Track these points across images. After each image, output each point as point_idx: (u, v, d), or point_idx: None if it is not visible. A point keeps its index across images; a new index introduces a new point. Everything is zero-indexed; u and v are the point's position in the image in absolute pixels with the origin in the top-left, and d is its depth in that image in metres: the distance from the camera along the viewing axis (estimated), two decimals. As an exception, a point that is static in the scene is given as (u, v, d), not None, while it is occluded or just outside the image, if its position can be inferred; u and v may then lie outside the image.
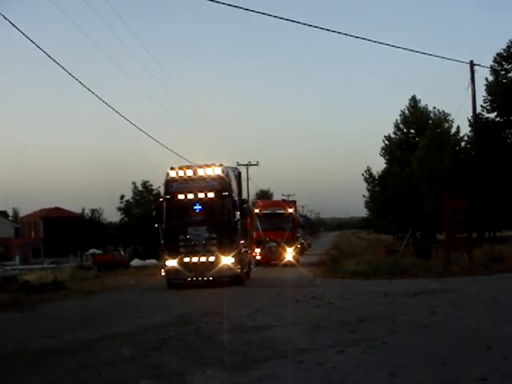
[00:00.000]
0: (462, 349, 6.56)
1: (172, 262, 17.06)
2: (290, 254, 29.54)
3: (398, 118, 52.02)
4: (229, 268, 16.91)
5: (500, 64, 39.29)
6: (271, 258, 29.36)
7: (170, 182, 17.78)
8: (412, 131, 51.52)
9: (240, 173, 22.61)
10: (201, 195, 17.36)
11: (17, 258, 55.56)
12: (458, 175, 37.63)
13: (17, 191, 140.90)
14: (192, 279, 17.09)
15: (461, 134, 43.09)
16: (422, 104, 50.96)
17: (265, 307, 11.22)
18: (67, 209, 78.82)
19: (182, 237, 17.26)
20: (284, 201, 33.24)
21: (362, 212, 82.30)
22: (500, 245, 26.64)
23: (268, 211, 31.08)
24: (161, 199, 18.47)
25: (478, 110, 34.44)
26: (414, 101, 51.29)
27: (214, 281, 16.88)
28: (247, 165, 60.16)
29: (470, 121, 37.41)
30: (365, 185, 57.13)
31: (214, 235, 17.22)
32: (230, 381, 5.66)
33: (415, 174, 43.12)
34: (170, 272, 17.15)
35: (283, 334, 8.07)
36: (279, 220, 30.44)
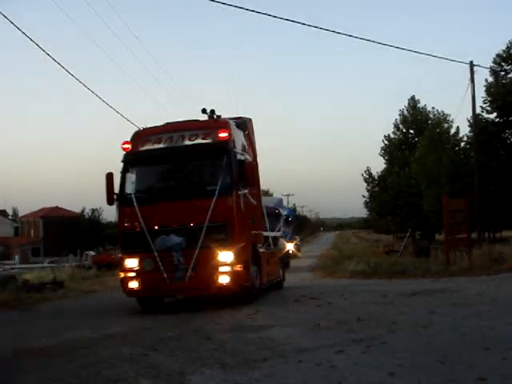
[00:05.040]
0: (461, 349, 6.56)
1: None
2: (229, 267, 10.75)
3: (398, 118, 52.19)
4: None
5: (499, 65, 39.34)
6: (170, 285, 10.87)
7: None
8: (411, 131, 51.68)
9: None
10: None
11: (16, 257, 55.64)
12: (458, 176, 37.67)
13: (17, 190, 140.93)
14: None
15: (460, 135, 43.19)
16: (421, 104, 51.19)
17: (264, 307, 11.21)
18: (67, 208, 78.94)
19: None
20: (211, 116, 12.28)
21: (362, 212, 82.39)
22: (500, 245, 26.61)
23: (159, 146, 11.57)
24: None
25: (478, 110, 34.52)
26: (413, 101, 51.43)
27: None
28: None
29: (469, 121, 37.46)
30: (364, 185, 57.31)
31: None
32: (228, 381, 5.65)
33: (414, 175, 43.19)
34: None
35: (282, 334, 8.06)
36: (192, 167, 11.88)
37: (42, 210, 77.10)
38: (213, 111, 12.18)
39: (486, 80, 39.17)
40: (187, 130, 11.60)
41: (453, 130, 43.84)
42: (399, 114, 51.96)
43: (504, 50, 39.13)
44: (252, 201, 12.10)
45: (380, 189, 54.07)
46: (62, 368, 6.52)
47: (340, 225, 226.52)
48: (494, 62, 39.36)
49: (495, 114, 39.76)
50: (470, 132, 38.89)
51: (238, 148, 11.76)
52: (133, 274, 11.15)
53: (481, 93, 38.26)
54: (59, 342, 8.43)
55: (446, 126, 44.32)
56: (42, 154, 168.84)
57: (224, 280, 10.75)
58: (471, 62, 29.11)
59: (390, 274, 18.78)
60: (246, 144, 12.57)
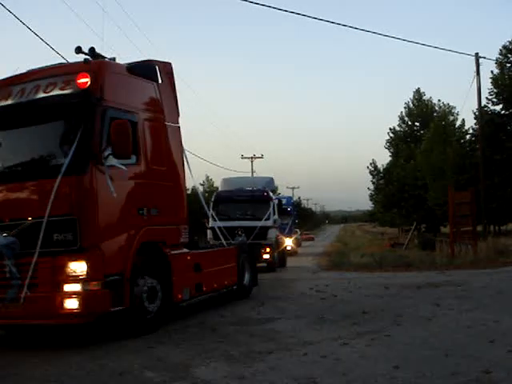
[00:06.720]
0: (466, 342, 6.57)
1: None
2: (79, 285, 6.92)
3: (403, 110, 52.00)
4: None
5: (506, 56, 39.09)
6: (1, 308, 7.18)
7: None
8: (417, 124, 51.52)
9: None
10: None
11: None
12: (463, 168, 37.55)
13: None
14: None
15: (466, 127, 43.00)
16: (426, 97, 50.97)
17: (269, 300, 11.24)
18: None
19: None
20: (93, 57, 8.25)
21: (367, 205, 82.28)
22: (505, 238, 26.58)
23: (6, 102, 8.02)
24: None
25: (484, 102, 34.36)
26: (418, 93, 51.23)
27: None
28: (252, 157, 59.78)
29: (474, 114, 37.28)
30: (370, 178, 57.19)
31: None
32: (233, 373, 5.68)
33: (420, 167, 43.04)
34: None
35: (287, 327, 8.09)
36: (38, 132, 7.87)
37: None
38: (93, 49, 8.38)
39: (492, 72, 39.01)
40: (46, 78, 8.01)
41: (458, 123, 43.69)
42: (404, 107, 51.82)
43: (510, 42, 38.88)
44: (149, 180, 8.28)
45: (385, 181, 53.96)
46: (69, 360, 6.56)
47: (345, 217, 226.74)
48: (501, 53, 39.14)
49: (501, 106, 39.57)
50: (475, 124, 38.73)
51: (123, 102, 7.99)
52: None
53: (487, 85, 38.15)
54: (64, 334, 8.46)
55: (451, 118, 44.14)
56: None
57: (71, 305, 6.97)
58: (477, 53, 28.97)
59: (395, 267, 18.81)
60: (155, 98, 8.84)
